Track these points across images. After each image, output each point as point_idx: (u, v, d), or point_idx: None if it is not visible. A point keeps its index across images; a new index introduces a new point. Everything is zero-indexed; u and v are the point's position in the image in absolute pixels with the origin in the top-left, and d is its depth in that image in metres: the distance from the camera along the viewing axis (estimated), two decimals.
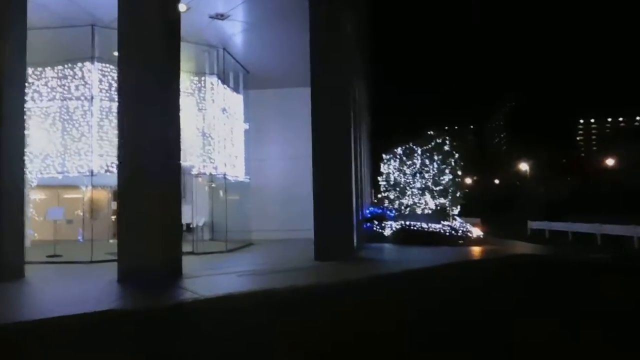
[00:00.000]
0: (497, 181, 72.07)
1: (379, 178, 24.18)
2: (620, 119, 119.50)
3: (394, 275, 10.39)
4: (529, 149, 70.51)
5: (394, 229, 18.48)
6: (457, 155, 22.24)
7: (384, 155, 23.79)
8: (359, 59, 20.01)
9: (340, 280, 9.12)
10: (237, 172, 17.65)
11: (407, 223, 18.48)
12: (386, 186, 23.05)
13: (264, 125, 20.33)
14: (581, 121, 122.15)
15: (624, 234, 20.73)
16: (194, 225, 17.49)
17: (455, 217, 22.68)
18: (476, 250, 17.03)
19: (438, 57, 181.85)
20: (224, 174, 15.86)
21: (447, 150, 21.98)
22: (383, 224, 18.83)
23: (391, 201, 22.44)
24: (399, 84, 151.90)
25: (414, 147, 21.18)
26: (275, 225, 19.35)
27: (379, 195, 29.57)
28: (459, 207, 22.46)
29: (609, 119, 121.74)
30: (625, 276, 11.41)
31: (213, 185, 18.34)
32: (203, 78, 15.65)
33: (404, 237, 17.92)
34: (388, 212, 21.03)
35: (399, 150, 21.56)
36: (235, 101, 17.88)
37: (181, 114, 14.73)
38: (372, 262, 12.38)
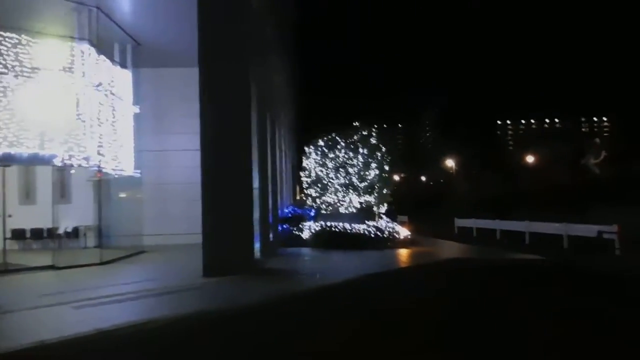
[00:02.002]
0: (424, 178, 72.38)
1: (302, 174, 21.75)
2: (532, 121, 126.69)
3: (300, 295, 7.87)
4: (453, 147, 71.55)
5: (313, 230, 16.05)
6: (384, 149, 20.22)
7: (306, 149, 21.38)
8: (272, 33, 17.22)
9: (218, 309, 6.48)
10: (122, 164, 14.44)
11: (329, 224, 16.12)
12: (308, 182, 20.65)
13: (165, 111, 17.19)
14: (499, 122, 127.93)
15: (554, 232, 19.62)
16: (63, 231, 14.20)
17: (382, 215, 20.72)
18: (404, 253, 15.03)
19: (368, 54, 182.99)
20: (99, 166, 12.61)
21: (374, 144, 19.89)
22: (301, 226, 16.35)
23: (313, 199, 20.06)
24: (329, 77, 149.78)
25: (337, 138, 18.87)
26: (179, 228, 16.24)
27: (304, 193, 27.19)
28: (386, 205, 20.48)
29: (523, 121, 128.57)
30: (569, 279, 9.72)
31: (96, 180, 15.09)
32: (71, 44, 12.31)
33: (325, 240, 15.56)
34: (308, 212, 18.60)
35: (321, 142, 19.15)
36: (121, 78, 14.63)
37: (37, 88, 11.71)
38: (277, 276, 9.78)
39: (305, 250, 14.88)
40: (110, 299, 7.61)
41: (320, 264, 12.26)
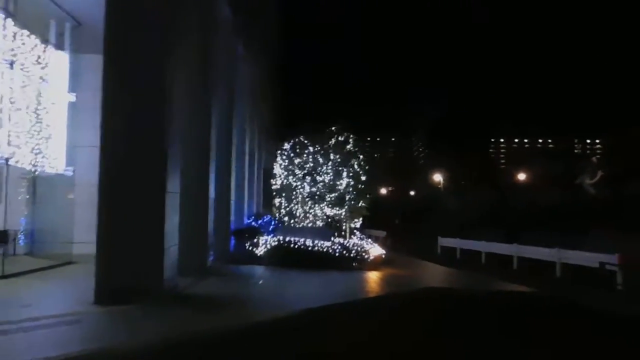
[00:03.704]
0: (412, 193, 70.47)
1: (272, 181, 19.79)
2: (525, 140, 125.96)
3: (202, 338, 5.82)
4: (444, 163, 70.01)
5: (269, 246, 14.06)
6: (361, 157, 18.28)
7: (278, 154, 19.45)
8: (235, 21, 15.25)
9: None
10: (48, 160, 12.45)
11: (287, 239, 14.14)
12: (276, 191, 18.71)
13: None
14: (492, 140, 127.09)
15: (545, 258, 17.58)
16: None
17: (356, 230, 18.77)
18: (371, 278, 13.10)
19: (363, 65, 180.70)
20: (7, 160, 10.60)
21: (350, 150, 17.95)
22: (256, 240, 14.35)
23: (278, 210, 18.12)
24: (318, 83, 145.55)
25: (305, 142, 16.92)
26: None
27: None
28: (360, 219, 18.52)
29: (516, 140, 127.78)
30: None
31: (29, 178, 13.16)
32: None
33: (281, 257, 13.57)
34: (267, 224, 16.58)
35: (287, 145, 17.21)
36: (54, 61, 12.71)
37: None
38: (190, 306, 7.73)
39: (257, 269, 12.87)
40: None
41: (263, 288, 10.26)
